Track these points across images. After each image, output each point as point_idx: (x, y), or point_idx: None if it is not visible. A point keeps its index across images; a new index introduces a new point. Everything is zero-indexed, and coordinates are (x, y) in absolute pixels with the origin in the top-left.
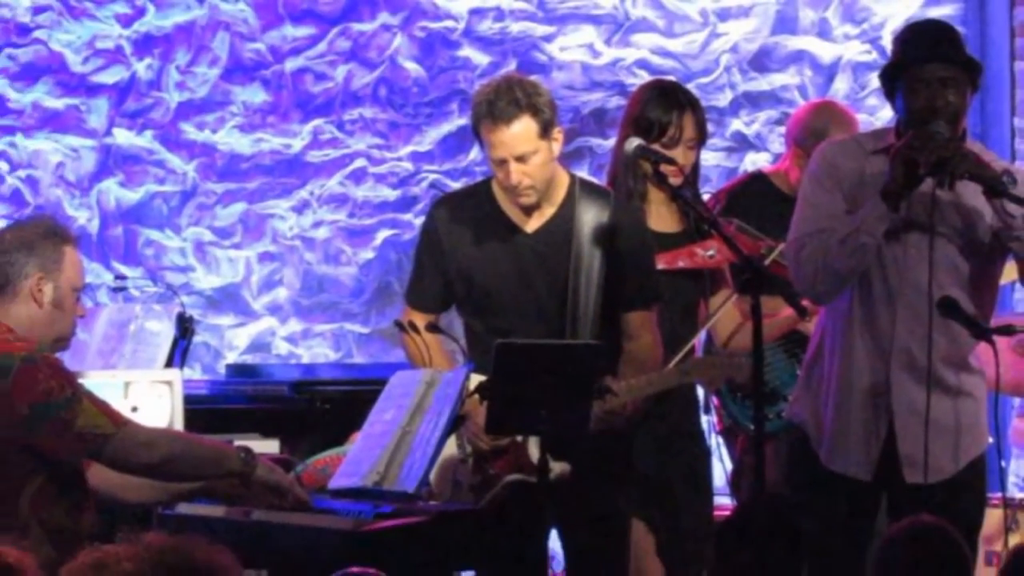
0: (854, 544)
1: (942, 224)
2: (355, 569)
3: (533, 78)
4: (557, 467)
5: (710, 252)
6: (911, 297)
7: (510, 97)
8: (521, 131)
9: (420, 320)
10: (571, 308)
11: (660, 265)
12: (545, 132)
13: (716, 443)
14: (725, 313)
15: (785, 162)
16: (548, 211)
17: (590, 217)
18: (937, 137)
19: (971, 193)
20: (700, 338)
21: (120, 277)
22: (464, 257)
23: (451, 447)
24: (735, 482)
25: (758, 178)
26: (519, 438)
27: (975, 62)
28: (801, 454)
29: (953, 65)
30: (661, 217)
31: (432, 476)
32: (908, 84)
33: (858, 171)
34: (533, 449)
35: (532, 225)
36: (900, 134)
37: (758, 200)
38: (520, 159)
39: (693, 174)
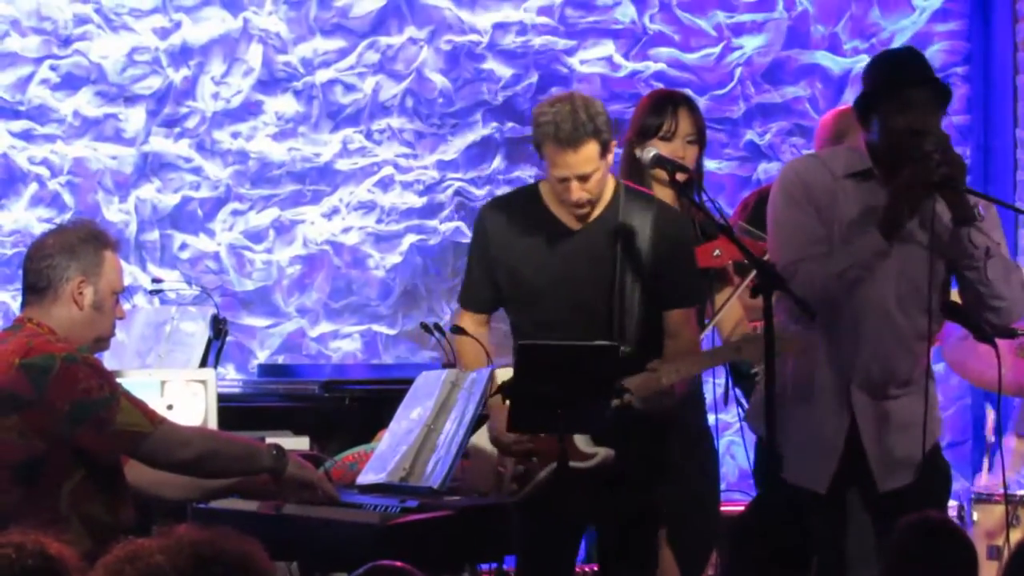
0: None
1: (911, 240)
2: (385, 562)
3: (591, 98)
4: (601, 452)
5: (715, 252)
6: (875, 313)
7: (576, 122)
8: (585, 155)
9: (472, 320)
10: (617, 306)
11: None
12: (605, 152)
13: (742, 436)
14: (729, 308)
15: None
16: (595, 213)
17: (635, 219)
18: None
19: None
20: (707, 334)
21: (157, 280)
22: (513, 257)
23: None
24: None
25: None
26: None
27: (947, 86)
28: (764, 462)
29: (933, 88)
30: None
31: (475, 469)
32: (893, 108)
33: (829, 192)
34: (578, 437)
35: (579, 226)
36: (877, 158)
37: None
38: (582, 179)
39: (698, 176)
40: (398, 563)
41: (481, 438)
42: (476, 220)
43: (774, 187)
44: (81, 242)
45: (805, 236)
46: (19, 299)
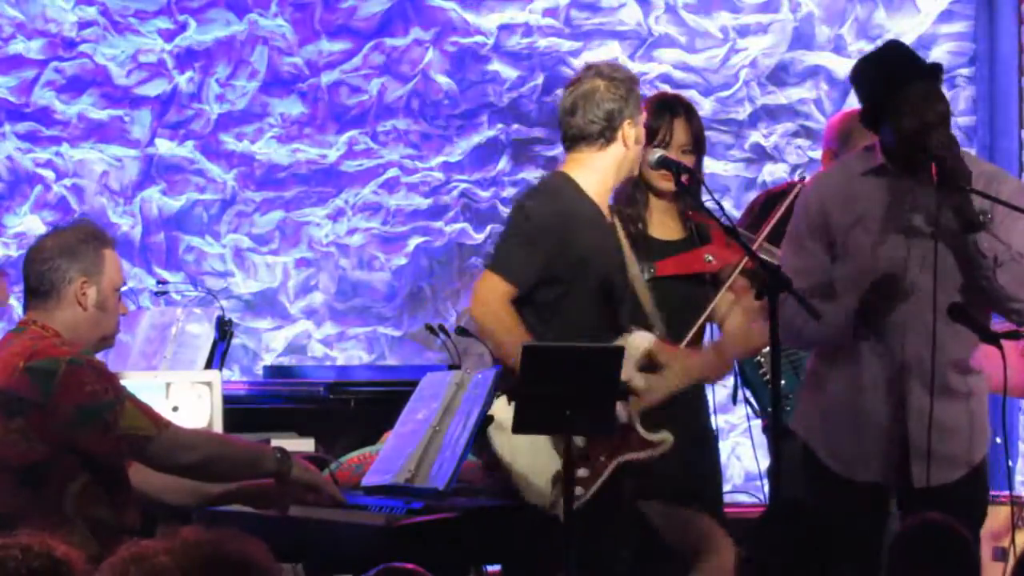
0: (869, 546)
1: (943, 234)
2: (396, 564)
3: None
4: (664, 437)
5: (707, 257)
6: (919, 304)
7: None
8: None
9: (506, 290)
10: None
11: (664, 272)
12: None
13: (750, 437)
14: (722, 301)
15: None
16: None
17: None
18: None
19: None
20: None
21: (162, 282)
22: (582, 247)
23: (547, 447)
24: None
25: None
26: (624, 418)
27: (936, 65)
28: (808, 464)
29: (929, 77)
30: (663, 225)
31: (533, 481)
32: (897, 111)
33: (848, 195)
34: (639, 426)
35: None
36: (890, 156)
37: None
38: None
39: (698, 184)
40: (408, 565)
41: (534, 447)
42: (540, 205)
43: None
44: (80, 242)
45: (806, 268)
46: (23, 301)
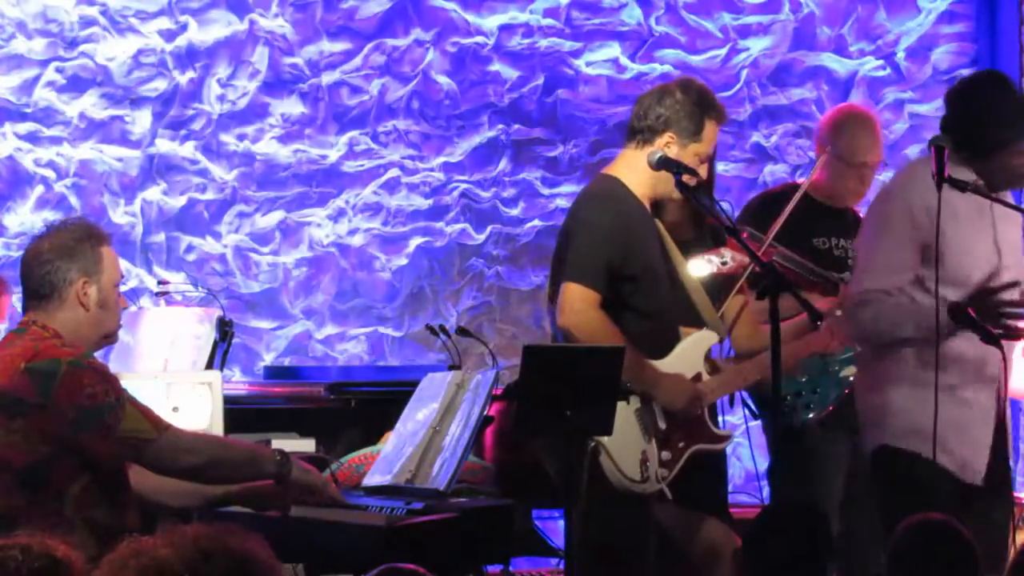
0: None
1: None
2: (399, 565)
3: None
4: (727, 432)
5: (724, 259)
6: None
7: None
8: None
9: (591, 296)
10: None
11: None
12: None
13: (748, 438)
14: (742, 316)
15: (817, 172)
16: None
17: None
18: None
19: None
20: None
21: (163, 282)
22: (643, 251)
23: (635, 429)
24: None
25: (795, 190)
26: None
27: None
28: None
29: None
30: (676, 226)
31: (621, 461)
32: (1011, 151)
33: (932, 202)
34: (708, 420)
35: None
36: (986, 179)
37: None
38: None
39: (710, 184)
40: (410, 565)
41: (621, 429)
42: (602, 211)
43: (879, 203)
44: (78, 242)
45: (891, 268)
46: (22, 302)
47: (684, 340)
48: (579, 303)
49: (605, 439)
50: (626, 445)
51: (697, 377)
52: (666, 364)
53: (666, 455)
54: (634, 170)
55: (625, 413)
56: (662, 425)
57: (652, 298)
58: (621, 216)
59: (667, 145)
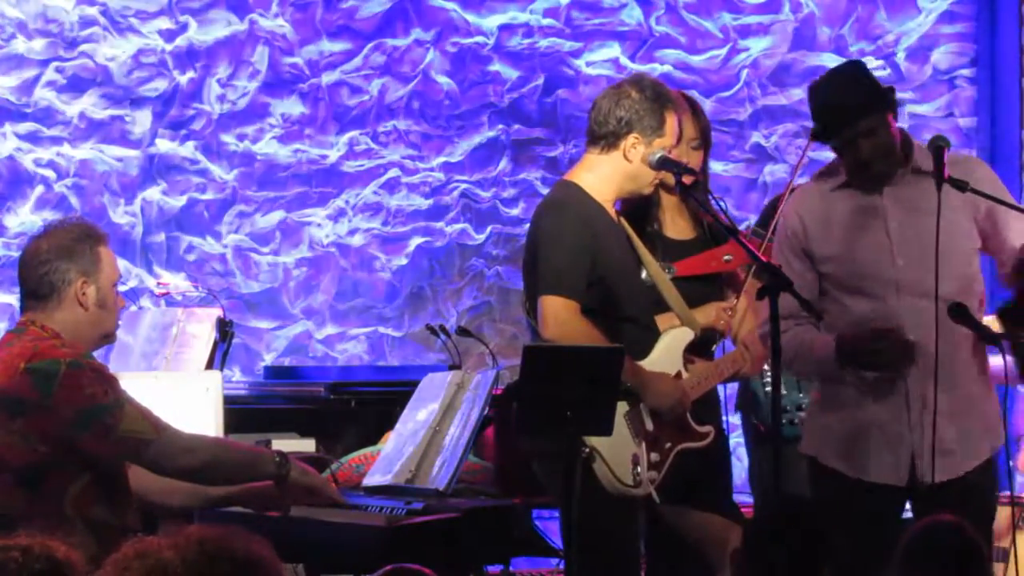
0: (881, 548)
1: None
2: (404, 565)
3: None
4: (708, 429)
5: (726, 257)
6: (916, 302)
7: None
8: None
9: (570, 305)
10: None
11: (684, 272)
12: None
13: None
14: (743, 315)
15: None
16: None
17: None
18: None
19: (959, 203)
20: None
21: (163, 283)
22: (609, 253)
23: (626, 432)
24: None
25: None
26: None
27: (883, 91)
28: (820, 475)
29: (867, 114)
30: (676, 224)
31: (616, 467)
32: (837, 144)
33: (823, 212)
34: (690, 418)
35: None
36: (851, 172)
37: None
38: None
39: (704, 180)
40: (415, 566)
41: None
42: (578, 219)
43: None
44: (76, 242)
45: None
46: (20, 302)
47: (662, 339)
48: (562, 313)
49: (599, 445)
50: (619, 449)
51: (678, 375)
52: (648, 364)
53: (655, 456)
54: (595, 173)
55: (616, 417)
56: (650, 427)
57: (625, 298)
58: (582, 221)
59: (633, 147)
